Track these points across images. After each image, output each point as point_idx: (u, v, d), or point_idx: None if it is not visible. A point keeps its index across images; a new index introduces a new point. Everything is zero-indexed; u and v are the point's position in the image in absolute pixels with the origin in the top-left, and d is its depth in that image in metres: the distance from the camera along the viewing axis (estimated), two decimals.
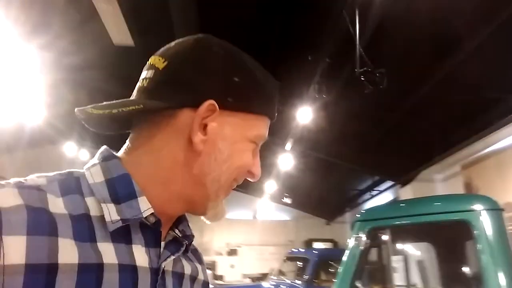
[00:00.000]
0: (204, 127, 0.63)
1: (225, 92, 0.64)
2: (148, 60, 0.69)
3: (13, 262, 0.49)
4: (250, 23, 5.99)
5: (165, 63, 0.64)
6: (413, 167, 10.02)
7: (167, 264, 0.65)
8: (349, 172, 12.27)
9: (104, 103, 0.64)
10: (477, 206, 2.56)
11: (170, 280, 0.66)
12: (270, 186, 13.58)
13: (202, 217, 0.71)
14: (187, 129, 0.63)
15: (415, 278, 3.36)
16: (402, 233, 3.14)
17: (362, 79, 3.78)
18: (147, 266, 0.61)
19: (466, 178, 9.10)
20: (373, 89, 3.74)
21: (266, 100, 0.69)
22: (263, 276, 10.39)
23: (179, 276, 0.69)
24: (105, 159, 0.64)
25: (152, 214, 0.61)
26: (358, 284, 2.76)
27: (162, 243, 0.65)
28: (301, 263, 6.99)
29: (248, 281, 14.24)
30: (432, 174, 10.31)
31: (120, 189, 0.61)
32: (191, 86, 0.63)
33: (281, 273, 7.41)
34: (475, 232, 2.48)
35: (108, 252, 0.57)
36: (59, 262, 0.52)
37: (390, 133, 8.71)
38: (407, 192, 10.63)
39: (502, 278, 2.34)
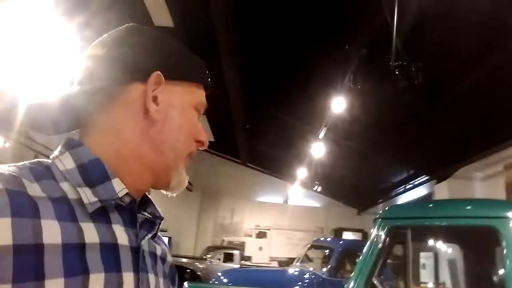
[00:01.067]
0: (155, 99, 0.68)
1: (165, 64, 0.70)
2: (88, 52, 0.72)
3: (1, 243, 0.50)
4: (287, 11, 5.90)
5: (105, 49, 0.69)
6: (451, 163, 9.67)
7: (144, 244, 0.67)
8: (383, 164, 12.02)
9: (55, 96, 0.67)
10: (507, 214, 2.45)
11: (148, 259, 0.68)
12: (302, 172, 13.54)
13: (165, 192, 0.75)
14: (140, 101, 0.68)
15: (435, 279, 3.29)
16: (424, 235, 3.06)
17: (397, 72, 3.65)
18: (128, 244, 0.64)
19: (509, 179, 8.70)
20: (407, 84, 3.61)
21: (199, 69, 0.76)
22: (290, 261, 10.45)
23: (153, 256, 0.71)
24: (73, 146, 0.66)
25: (127, 194, 0.64)
26: (374, 281, 2.73)
27: (137, 224, 0.68)
28: (326, 252, 6.99)
29: (275, 264, 14.44)
30: (471, 172, 9.91)
31: (93, 174, 0.63)
32: (136, 63, 0.68)
33: (306, 260, 7.44)
34: (502, 240, 2.38)
35: (89, 232, 0.59)
36: (44, 242, 0.53)
37: (428, 126, 8.41)
38: (443, 189, 10.29)
39: None
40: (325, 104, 7.00)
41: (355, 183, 14.62)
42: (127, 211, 0.66)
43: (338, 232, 16.06)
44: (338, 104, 6.48)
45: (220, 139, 12.04)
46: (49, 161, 0.65)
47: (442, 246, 3.75)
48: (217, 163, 16.75)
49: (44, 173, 0.61)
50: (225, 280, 6.34)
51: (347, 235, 15.79)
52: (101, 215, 0.62)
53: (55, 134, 0.70)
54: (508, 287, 2.31)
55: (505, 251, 2.36)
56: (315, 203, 17.95)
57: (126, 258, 0.62)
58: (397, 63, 3.76)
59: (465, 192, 9.71)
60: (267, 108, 10.68)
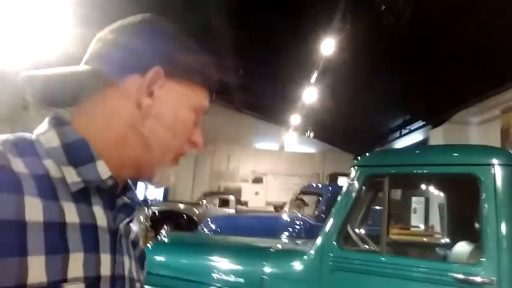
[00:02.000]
0: (151, 93, 0.67)
1: (170, 61, 0.69)
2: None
3: None
4: None
5: (113, 35, 0.69)
6: (447, 108, 9.47)
7: (121, 227, 0.68)
8: (379, 109, 11.83)
9: (60, 69, 0.67)
10: (489, 160, 2.30)
11: (124, 242, 0.70)
12: (297, 118, 13.39)
13: (146, 182, 0.75)
14: (135, 93, 0.67)
15: (413, 225, 3.23)
16: (402, 183, 2.95)
17: (383, 8, 3.34)
18: (106, 227, 0.64)
19: (505, 123, 8.54)
20: (394, 20, 3.31)
21: (206, 72, 0.74)
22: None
23: (127, 239, 0.72)
24: (58, 124, 0.65)
25: (110, 177, 0.64)
26: (349, 229, 2.64)
27: (116, 207, 0.68)
28: (316, 198, 6.98)
29: (271, 209, 14.70)
30: (468, 116, 9.73)
31: (78, 154, 0.63)
32: (138, 54, 0.67)
33: (295, 206, 7.46)
34: (483, 187, 2.25)
35: (70, 211, 0.59)
36: (26, 220, 0.53)
37: (425, 71, 8.12)
38: (438, 134, 10.17)
39: (505, 240, 2.15)
40: (316, 47, 6.67)
41: (351, 129, 14.52)
42: (107, 194, 0.66)
43: (333, 177, 16.17)
44: (329, 46, 6.16)
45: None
46: (33, 136, 0.64)
47: (421, 194, 3.66)
48: (212, 110, 16.31)
49: (28, 149, 0.60)
50: (213, 226, 6.38)
51: (342, 180, 15.93)
52: (82, 196, 0.62)
53: (51, 106, 0.69)
54: (484, 234, 2.20)
55: (484, 198, 2.24)
56: (311, 149, 17.97)
57: (104, 239, 0.63)
58: None
59: (461, 138, 9.59)
60: (260, 53, 10.33)
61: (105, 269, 0.62)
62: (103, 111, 0.67)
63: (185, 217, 11.84)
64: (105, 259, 0.63)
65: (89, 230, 0.61)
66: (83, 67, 0.69)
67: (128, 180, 0.73)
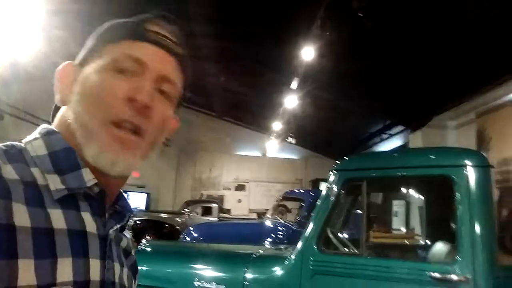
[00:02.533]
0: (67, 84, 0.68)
1: (89, 50, 0.70)
2: None
3: None
4: None
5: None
6: (425, 112, 9.66)
7: (112, 233, 0.68)
8: (360, 114, 11.97)
9: None
10: (462, 162, 2.36)
11: (114, 249, 0.69)
12: (279, 125, 13.45)
13: (105, 170, 0.65)
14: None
15: (391, 228, 3.28)
16: (380, 186, 2.99)
17: (361, 15, 3.41)
18: (96, 232, 0.64)
19: (480, 127, 8.75)
20: (371, 26, 3.39)
21: (123, 28, 0.69)
22: None
23: (118, 247, 0.72)
24: (47, 134, 0.66)
25: (96, 184, 0.64)
26: (329, 233, 2.66)
27: (106, 214, 0.68)
28: (298, 204, 7.01)
29: (254, 216, 14.66)
30: (445, 120, 9.94)
31: (63, 161, 0.63)
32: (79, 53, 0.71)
33: (278, 212, 7.47)
34: (457, 188, 2.30)
35: (57, 218, 0.59)
36: (15, 224, 0.53)
37: (403, 76, 8.28)
38: (417, 138, 10.36)
39: (479, 239, 2.20)
40: (297, 54, 6.74)
41: (332, 135, 14.66)
42: (96, 201, 0.66)
43: (315, 183, 16.25)
44: (309, 53, 6.23)
45: (195, 93, 11.76)
46: (22, 145, 0.64)
47: (400, 197, 3.71)
48: (193, 118, 16.49)
49: (15, 157, 0.60)
50: (195, 235, 6.33)
51: (324, 186, 16.01)
52: (70, 203, 0.62)
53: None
54: (458, 234, 2.25)
55: (458, 199, 2.29)
56: (293, 155, 18.04)
57: (93, 245, 0.63)
58: (360, 5, 3.52)
59: (439, 141, 9.78)
60: (241, 60, 10.37)
61: (95, 274, 0.62)
62: (63, 117, 0.69)
63: (167, 226, 11.70)
64: (95, 264, 0.62)
65: (77, 235, 0.61)
66: None
67: (121, 190, 0.73)
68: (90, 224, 0.63)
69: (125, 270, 0.72)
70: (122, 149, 0.64)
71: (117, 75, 0.65)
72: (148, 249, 3.52)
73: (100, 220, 0.66)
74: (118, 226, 0.70)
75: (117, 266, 0.68)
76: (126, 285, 0.72)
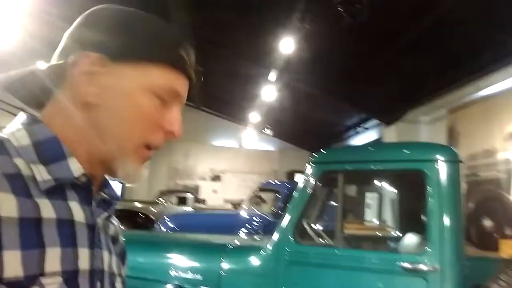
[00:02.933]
0: (90, 81, 0.64)
1: (115, 45, 0.65)
2: None
3: None
4: None
5: (72, 27, 0.68)
6: (399, 107, 9.87)
7: (99, 222, 0.67)
8: (335, 107, 12.13)
9: (32, 69, 0.66)
10: (434, 157, 2.44)
11: (103, 237, 0.68)
12: (255, 116, 13.47)
13: (117, 179, 0.71)
14: (77, 84, 0.64)
15: (367, 220, 3.38)
16: (356, 179, 3.06)
17: (341, 9, 3.45)
18: (83, 221, 0.63)
19: (451, 122, 9.02)
20: (351, 22, 3.43)
21: (164, 47, 0.67)
22: None
23: (106, 234, 0.71)
24: (30, 123, 0.64)
25: (84, 174, 0.64)
26: (304, 224, 2.71)
27: (93, 202, 0.67)
28: (275, 195, 7.07)
29: (229, 207, 14.70)
30: (419, 115, 10.19)
31: (48, 151, 0.62)
32: (80, 43, 0.65)
33: (254, 203, 7.52)
34: (429, 182, 2.39)
35: (45, 207, 0.58)
36: (1, 215, 0.53)
37: (379, 71, 8.42)
38: (391, 132, 10.59)
39: (447, 231, 2.29)
40: (275, 45, 6.75)
41: (308, 127, 14.80)
42: (83, 190, 0.65)
43: (291, 175, 16.42)
44: (287, 45, 6.25)
45: None
46: (4, 135, 0.62)
47: (374, 189, 3.81)
48: None
49: None
50: (170, 225, 6.31)
51: (299, 177, 16.18)
52: (57, 192, 0.61)
53: (28, 105, 0.69)
54: (429, 226, 2.34)
55: (429, 192, 2.38)
56: (269, 147, 18.13)
57: (82, 234, 0.62)
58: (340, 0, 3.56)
59: (412, 135, 10.04)
60: (218, 49, 10.29)
61: (83, 263, 0.62)
62: (62, 106, 0.66)
63: (142, 216, 11.60)
64: (83, 253, 0.62)
65: (65, 225, 0.60)
66: (48, 65, 0.67)
67: (106, 177, 0.72)
68: (77, 213, 0.63)
69: (114, 257, 0.72)
70: (141, 164, 0.69)
71: (156, 101, 0.66)
72: (123, 239, 3.50)
73: (87, 209, 0.65)
74: (106, 214, 0.69)
75: (106, 254, 0.68)
76: (116, 272, 0.72)
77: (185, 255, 2.93)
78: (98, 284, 0.65)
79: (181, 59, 0.68)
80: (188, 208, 12.17)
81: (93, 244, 0.65)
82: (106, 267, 0.68)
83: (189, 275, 2.76)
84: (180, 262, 2.88)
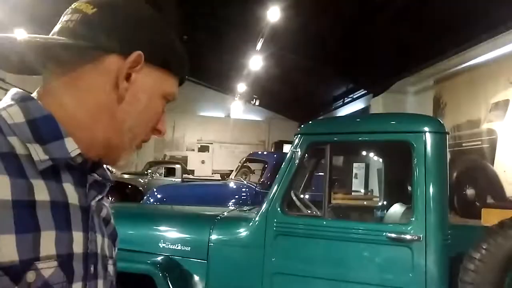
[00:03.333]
0: (128, 76, 0.66)
1: (150, 47, 0.67)
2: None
3: None
4: None
5: (95, 9, 0.65)
6: (387, 77, 9.87)
7: (93, 204, 0.67)
8: (323, 77, 12.08)
9: (32, 35, 0.63)
10: (421, 128, 2.45)
11: (96, 219, 0.68)
12: (242, 86, 13.36)
13: (109, 166, 0.73)
14: (112, 74, 0.65)
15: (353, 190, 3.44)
16: (343, 150, 3.07)
17: None
18: (77, 204, 0.63)
19: (437, 93, 9.08)
20: None
21: (181, 63, 0.74)
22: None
23: (99, 216, 0.71)
24: (23, 99, 0.62)
25: (79, 154, 0.63)
26: (292, 195, 2.73)
27: (87, 184, 0.67)
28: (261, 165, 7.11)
29: (217, 177, 14.77)
30: (406, 86, 10.23)
31: (45, 130, 0.60)
32: (122, 35, 0.65)
33: (242, 174, 7.56)
34: (415, 153, 2.41)
35: (40, 189, 0.57)
36: None
37: (366, 41, 8.35)
38: (378, 102, 10.64)
39: (432, 202, 2.33)
40: (262, 14, 6.60)
41: (296, 97, 14.76)
42: (78, 171, 0.65)
43: (279, 145, 16.48)
44: (274, 13, 6.12)
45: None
46: None
47: (361, 160, 3.84)
48: None
49: None
50: (159, 196, 6.32)
51: (287, 148, 16.29)
52: (51, 173, 0.60)
53: (17, 73, 0.67)
54: (414, 196, 2.38)
55: (415, 163, 2.40)
56: (257, 117, 18.10)
57: (76, 217, 0.62)
58: None
59: (398, 106, 10.10)
60: (205, 19, 10.06)
61: (78, 247, 0.62)
62: (76, 88, 0.65)
63: (130, 187, 11.60)
64: (78, 237, 0.62)
65: (60, 207, 0.60)
66: (59, 39, 0.64)
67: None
68: (72, 195, 0.62)
69: (106, 239, 0.72)
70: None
71: (163, 104, 0.73)
72: (112, 211, 3.49)
73: (81, 191, 0.65)
74: (100, 196, 0.69)
75: (99, 237, 0.69)
76: (108, 255, 0.72)
77: (173, 227, 2.95)
78: (92, 268, 0.65)
79: (185, 70, 0.76)
80: (176, 179, 12.19)
81: (87, 227, 0.65)
82: (99, 250, 0.68)
83: (178, 247, 2.78)
84: (168, 234, 2.89)
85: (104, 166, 0.73)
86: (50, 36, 0.66)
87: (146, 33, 0.68)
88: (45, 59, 0.65)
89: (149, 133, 0.73)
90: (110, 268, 0.73)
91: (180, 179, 12.28)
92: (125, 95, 0.66)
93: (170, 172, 12.71)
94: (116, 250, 0.79)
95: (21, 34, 0.63)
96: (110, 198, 10.66)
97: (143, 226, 3.06)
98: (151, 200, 6.31)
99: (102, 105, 0.66)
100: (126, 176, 12.13)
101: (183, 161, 15.79)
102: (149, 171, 12.72)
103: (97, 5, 0.66)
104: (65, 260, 0.59)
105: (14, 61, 0.65)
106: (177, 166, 13.02)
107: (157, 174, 12.59)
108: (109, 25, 0.65)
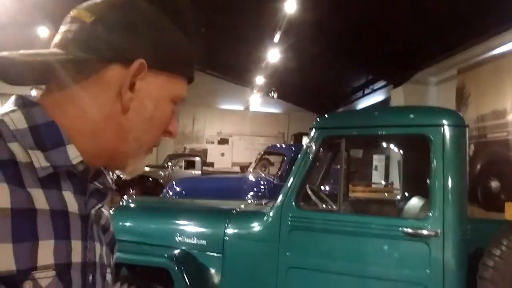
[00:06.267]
0: (132, 85, 0.65)
1: (153, 52, 0.66)
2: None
3: None
4: None
5: (93, 18, 0.64)
6: (407, 68, 9.66)
7: (93, 212, 0.67)
8: (342, 69, 11.93)
9: (31, 51, 0.63)
10: (440, 121, 2.39)
11: (95, 228, 0.68)
12: (261, 79, 13.32)
13: (118, 171, 0.74)
14: (116, 84, 0.64)
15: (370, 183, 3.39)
16: (359, 144, 3.03)
17: None
18: (77, 212, 0.62)
19: (460, 83, 8.82)
20: None
21: (187, 62, 0.72)
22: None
23: (98, 224, 0.71)
24: (26, 105, 0.62)
25: (81, 162, 0.62)
26: (308, 189, 2.72)
27: (87, 193, 0.66)
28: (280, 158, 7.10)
29: (237, 169, 14.84)
30: (427, 76, 9.97)
31: (47, 137, 0.60)
32: (122, 43, 0.64)
33: (260, 166, 7.58)
34: (433, 148, 2.36)
35: (39, 198, 0.57)
36: None
37: (387, 31, 8.18)
38: (399, 94, 10.41)
39: (451, 197, 2.28)
40: (280, 5, 6.55)
41: (315, 89, 14.63)
42: (78, 179, 0.64)
43: (298, 137, 16.39)
44: (292, 5, 6.06)
45: None
46: None
47: (380, 153, 3.78)
48: None
49: None
50: (178, 189, 6.40)
51: (306, 140, 16.18)
52: (51, 181, 0.59)
53: (16, 85, 0.65)
54: (432, 190, 2.33)
55: (433, 157, 2.35)
56: (276, 109, 18.04)
57: (75, 226, 0.62)
58: None
59: (420, 97, 9.87)
60: (222, 11, 10.03)
61: (76, 256, 0.61)
62: (79, 99, 0.64)
63: (150, 180, 11.77)
64: (76, 246, 0.61)
65: (59, 216, 0.59)
66: (57, 52, 0.63)
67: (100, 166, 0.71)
68: (71, 203, 0.61)
69: (104, 248, 0.72)
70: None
71: (172, 108, 0.71)
72: (131, 204, 3.56)
73: (81, 199, 0.64)
74: (100, 205, 0.68)
75: (97, 246, 0.68)
76: (106, 263, 0.71)
77: (190, 221, 2.98)
78: (90, 277, 0.65)
79: (193, 72, 0.75)
80: (196, 172, 12.29)
81: (86, 236, 0.64)
82: (97, 259, 0.67)
83: (194, 241, 2.81)
84: (185, 228, 2.93)
85: (105, 173, 0.72)
86: (50, 50, 0.65)
87: (147, 38, 0.66)
88: (47, 75, 0.65)
89: (159, 137, 0.72)
90: (108, 277, 0.73)
91: (200, 172, 12.38)
92: (129, 105, 0.65)
93: (190, 164, 12.82)
94: (114, 258, 0.79)
95: (22, 52, 0.62)
96: (131, 191, 10.87)
97: (160, 220, 3.11)
98: (170, 193, 6.39)
99: (107, 115, 0.65)
100: (146, 169, 12.30)
101: (203, 153, 15.89)
102: (169, 164, 12.85)
103: (96, 12, 0.65)
104: (63, 270, 0.58)
105: (14, 76, 0.64)
106: (197, 159, 13.11)
107: (177, 167, 12.71)
108: (108, 34, 0.63)
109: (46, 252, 0.56)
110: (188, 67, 0.73)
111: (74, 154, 0.62)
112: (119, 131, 0.66)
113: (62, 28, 0.66)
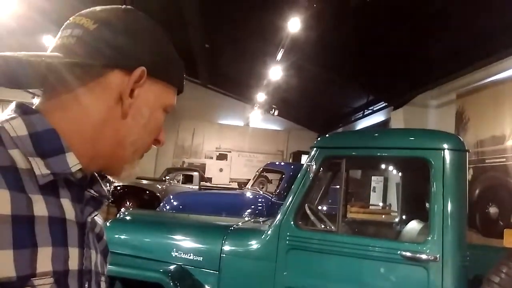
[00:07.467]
0: (132, 91, 0.67)
1: (152, 60, 0.68)
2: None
3: None
4: None
5: (96, 25, 0.65)
6: (408, 90, 9.73)
7: (89, 220, 0.67)
8: (343, 89, 12.00)
9: (33, 53, 0.63)
10: (440, 145, 2.40)
11: (91, 236, 0.69)
12: (262, 96, 13.38)
13: (110, 177, 0.76)
14: (116, 90, 0.66)
15: (369, 204, 3.39)
16: (359, 165, 3.03)
17: None
18: (74, 220, 0.63)
19: (459, 107, 8.88)
20: (360, 1, 3.33)
21: (179, 74, 0.76)
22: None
23: (93, 233, 0.72)
24: (26, 112, 0.62)
25: (80, 169, 0.63)
26: (306, 209, 2.70)
27: (84, 200, 0.67)
28: (278, 176, 7.08)
29: (235, 186, 14.76)
30: (427, 99, 10.04)
31: (47, 144, 0.60)
32: (124, 51, 0.66)
33: (259, 183, 7.54)
34: (433, 171, 2.35)
35: (39, 204, 0.57)
36: None
37: (388, 53, 8.27)
38: (399, 115, 10.46)
39: (450, 222, 2.27)
40: (283, 24, 6.63)
41: (316, 108, 14.69)
42: (75, 187, 0.64)
43: (297, 155, 16.39)
44: (295, 24, 6.14)
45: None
46: None
47: (379, 174, 3.78)
48: None
49: None
50: (175, 203, 6.36)
51: (305, 159, 16.17)
52: (50, 188, 0.60)
53: (12, 88, 0.64)
54: (431, 214, 2.32)
55: (433, 180, 2.35)
56: (276, 127, 18.08)
57: (72, 233, 0.62)
58: None
59: (420, 119, 9.91)
60: (226, 28, 10.15)
61: (74, 263, 0.62)
62: (79, 103, 0.65)
63: (147, 193, 11.70)
64: (73, 253, 0.62)
65: (57, 223, 0.59)
66: (60, 55, 0.64)
67: (95, 173, 0.72)
68: (69, 211, 0.62)
69: (99, 256, 0.72)
70: None
71: (163, 117, 0.74)
72: (127, 217, 3.53)
73: (78, 207, 0.64)
74: (96, 213, 0.69)
75: (93, 254, 0.68)
76: (100, 271, 0.72)
77: (186, 236, 2.95)
78: (86, 285, 0.65)
79: (183, 81, 0.78)
80: (194, 186, 12.23)
81: (83, 243, 0.64)
82: (93, 267, 0.68)
83: (190, 256, 2.78)
84: (181, 243, 2.90)
85: (101, 182, 0.73)
86: (52, 53, 0.65)
87: (147, 46, 0.68)
88: (48, 78, 0.65)
89: (150, 144, 0.75)
90: (103, 285, 0.73)
91: (197, 187, 12.31)
92: (128, 110, 0.67)
93: (188, 179, 12.75)
94: (107, 266, 0.79)
95: (24, 53, 0.62)
96: (128, 203, 10.80)
97: (156, 234, 3.07)
98: (167, 207, 6.34)
99: (106, 120, 0.66)
100: (144, 181, 12.24)
101: (201, 168, 15.84)
102: (167, 177, 12.80)
103: (98, 20, 0.66)
104: (61, 277, 0.58)
105: (22, 78, 0.63)
106: (195, 174, 13.05)
107: (175, 181, 12.64)
108: (111, 42, 0.65)
109: (44, 259, 0.56)
110: (180, 78, 0.76)
111: (73, 162, 0.62)
112: (117, 136, 0.68)
113: (62, 34, 0.67)
